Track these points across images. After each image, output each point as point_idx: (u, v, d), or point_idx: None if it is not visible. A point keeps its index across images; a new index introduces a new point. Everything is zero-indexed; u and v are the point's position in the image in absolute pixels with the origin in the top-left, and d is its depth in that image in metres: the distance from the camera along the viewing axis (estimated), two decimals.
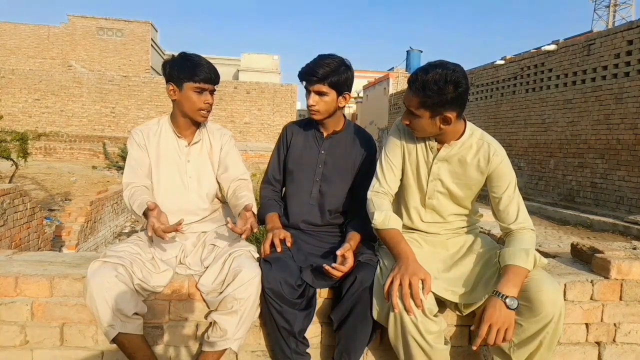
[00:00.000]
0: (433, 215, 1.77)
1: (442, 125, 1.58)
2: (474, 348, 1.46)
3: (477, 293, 1.56)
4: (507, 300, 1.42)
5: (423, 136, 1.68)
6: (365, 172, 1.90)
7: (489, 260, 1.65)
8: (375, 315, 1.58)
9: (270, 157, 2.07)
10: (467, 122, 1.69)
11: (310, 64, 1.84)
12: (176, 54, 1.84)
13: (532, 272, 1.52)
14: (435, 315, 1.50)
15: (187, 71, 1.76)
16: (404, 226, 1.77)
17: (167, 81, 1.80)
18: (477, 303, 1.57)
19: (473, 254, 1.70)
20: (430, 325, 1.47)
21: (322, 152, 1.95)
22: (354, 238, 1.79)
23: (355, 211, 1.91)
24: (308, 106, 1.87)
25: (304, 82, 1.86)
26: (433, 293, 1.53)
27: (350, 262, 1.65)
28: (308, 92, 1.85)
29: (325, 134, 1.97)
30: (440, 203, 1.74)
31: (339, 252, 1.65)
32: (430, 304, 1.48)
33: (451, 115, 1.55)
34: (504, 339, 1.43)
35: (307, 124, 2.02)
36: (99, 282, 1.53)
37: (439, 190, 1.72)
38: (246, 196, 1.81)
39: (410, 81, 1.56)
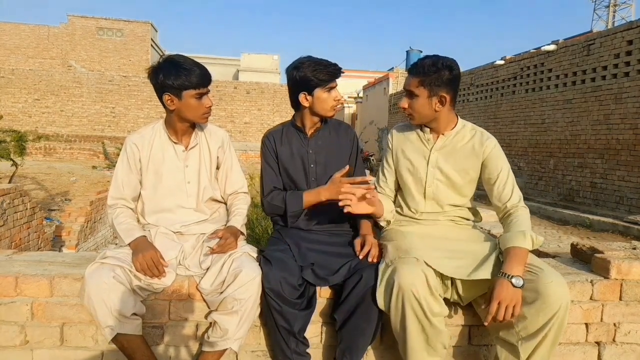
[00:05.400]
0: (433, 205, 1.85)
1: (437, 107, 1.73)
2: (485, 324, 1.53)
3: (482, 270, 1.57)
4: (513, 279, 1.49)
5: (420, 122, 1.81)
6: (355, 156, 1.99)
7: (491, 246, 1.70)
8: (379, 301, 1.58)
9: (262, 172, 2.00)
10: (459, 117, 1.85)
11: None
12: (164, 57, 1.77)
13: (540, 265, 1.56)
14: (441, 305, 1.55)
15: (184, 78, 1.69)
16: (405, 217, 1.89)
17: (163, 92, 1.73)
18: (478, 290, 1.61)
19: (474, 240, 1.76)
20: (433, 304, 1.51)
21: (310, 151, 1.95)
22: (365, 224, 1.88)
23: None
24: None
25: None
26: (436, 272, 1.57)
27: (369, 240, 1.75)
28: None
29: (309, 134, 1.96)
30: (440, 190, 1.83)
31: (356, 241, 1.79)
32: (434, 282, 1.53)
33: (447, 96, 1.71)
34: (512, 315, 1.48)
35: (287, 129, 1.99)
36: (97, 283, 1.53)
37: (438, 178, 1.82)
38: (238, 211, 1.91)
39: (411, 68, 1.76)
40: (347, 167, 1.84)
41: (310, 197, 1.87)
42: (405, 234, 1.77)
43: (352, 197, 1.71)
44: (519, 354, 1.52)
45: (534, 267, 1.54)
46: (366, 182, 1.78)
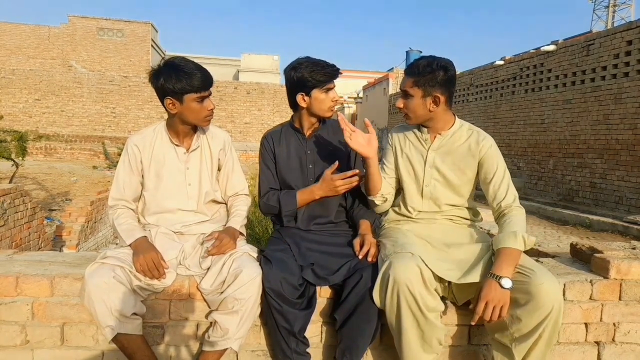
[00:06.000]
0: (430, 204, 1.85)
1: (431, 107, 1.74)
2: (472, 323, 1.55)
3: (473, 274, 1.58)
4: (502, 280, 1.49)
5: (415, 122, 1.83)
6: (355, 156, 1.98)
7: (484, 247, 1.70)
8: (375, 297, 1.58)
9: (260, 173, 2.01)
10: (456, 117, 1.86)
11: None
12: (165, 60, 1.75)
13: (532, 266, 1.55)
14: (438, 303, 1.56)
15: (185, 82, 1.68)
16: (403, 216, 1.89)
17: (164, 95, 1.72)
18: (471, 291, 1.61)
19: (470, 241, 1.77)
20: (428, 298, 1.51)
21: (309, 152, 1.95)
22: (364, 224, 1.88)
23: (357, 200, 1.95)
24: None
25: None
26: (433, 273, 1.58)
27: (368, 240, 1.75)
28: None
29: (307, 135, 1.97)
30: (437, 190, 1.84)
31: (356, 241, 1.78)
32: (430, 276, 1.53)
33: (441, 96, 1.73)
34: (499, 316, 1.49)
35: (286, 130, 2.01)
36: (97, 284, 1.53)
37: (435, 177, 1.84)
38: (237, 212, 1.91)
39: (407, 68, 1.80)
40: (337, 163, 1.84)
41: (304, 196, 1.89)
42: (404, 231, 1.78)
43: (350, 131, 1.76)
44: (513, 356, 1.52)
45: (526, 269, 1.54)
46: (356, 175, 1.83)
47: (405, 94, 1.78)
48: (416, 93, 1.74)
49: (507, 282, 1.49)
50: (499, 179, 1.77)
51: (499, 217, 1.75)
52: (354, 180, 1.84)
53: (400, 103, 1.81)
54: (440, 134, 1.83)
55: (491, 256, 1.63)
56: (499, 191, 1.76)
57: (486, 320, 1.50)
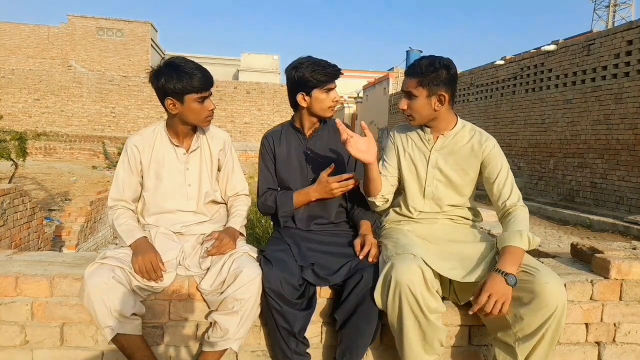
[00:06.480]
0: (432, 204, 1.85)
1: (437, 107, 1.74)
2: (470, 313, 1.54)
3: (477, 273, 1.58)
4: (507, 277, 1.49)
5: (419, 122, 1.81)
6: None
7: (487, 247, 1.70)
8: (377, 298, 1.58)
9: (259, 172, 2.01)
10: (458, 117, 1.86)
11: None
12: (165, 60, 1.75)
13: (536, 266, 1.56)
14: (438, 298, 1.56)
15: (185, 82, 1.68)
16: (404, 216, 1.88)
17: (165, 96, 1.72)
18: (472, 293, 1.60)
19: (473, 240, 1.77)
20: (429, 300, 1.51)
21: (309, 152, 1.95)
22: (365, 224, 1.87)
23: (357, 201, 1.95)
24: None
25: None
26: (434, 272, 1.57)
27: (369, 240, 1.74)
28: None
29: (307, 134, 1.97)
30: (439, 190, 1.84)
31: (356, 241, 1.77)
32: (431, 278, 1.53)
33: (446, 95, 1.73)
34: (500, 311, 1.48)
35: (286, 130, 2.00)
36: (96, 284, 1.53)
37: (438, 178, 1.83)
38: (237, 212, 1.91)
39: (408, 69, 1.78)
40: (333, 165, 1.84)
41: (300, 197, 1.89)
42: (405, 232, 1.78)
43: (349, 137, 1.74)
44: (517, 355, 1.52)
45: (530, 268, 1.54)
46: (352, 178, 1.82)
47: (408, 95, 1.77)
48: (421, 93, 1.73)
49: (512, 279, 1.49)
50: (503, 179, 1.77)
51: (503, 216, 1.75)
52: (350, 183, 1.83)
53: (404, 105, 1.79)
54: (442, 134, 1.82)
55: (495, 255, 1.63)
56: (504, 190, 1.76)
57: (486, 312, 1.49)
